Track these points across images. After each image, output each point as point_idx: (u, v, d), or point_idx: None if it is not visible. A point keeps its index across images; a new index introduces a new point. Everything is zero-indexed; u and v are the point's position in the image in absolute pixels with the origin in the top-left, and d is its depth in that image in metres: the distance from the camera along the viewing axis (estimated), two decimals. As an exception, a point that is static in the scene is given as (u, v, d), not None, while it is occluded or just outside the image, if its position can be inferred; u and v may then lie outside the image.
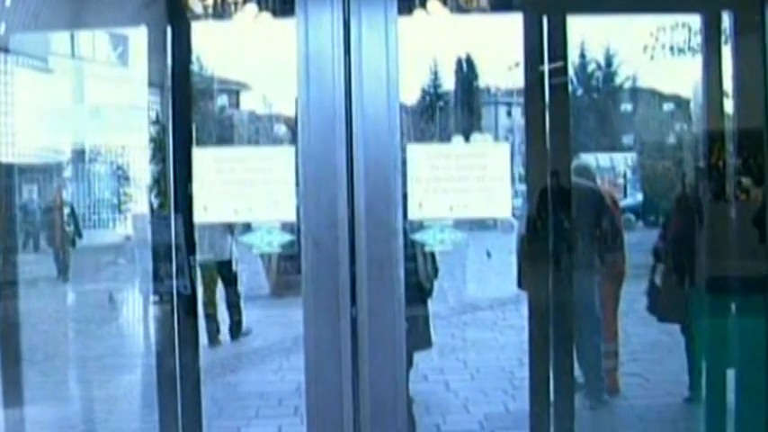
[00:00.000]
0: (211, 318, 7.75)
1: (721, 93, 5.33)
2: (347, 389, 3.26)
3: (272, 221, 3.33)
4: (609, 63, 9.88)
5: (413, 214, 3.31)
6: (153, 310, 5.42)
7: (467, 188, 3.30)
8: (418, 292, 5.09)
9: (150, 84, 5.34)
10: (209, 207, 3.33)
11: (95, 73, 8.88)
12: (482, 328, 8.41)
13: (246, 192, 3.31)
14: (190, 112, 4.97)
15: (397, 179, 3.25)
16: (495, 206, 3.33)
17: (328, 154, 3.24)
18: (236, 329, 7.95)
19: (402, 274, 3.26)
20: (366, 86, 3.24)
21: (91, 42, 9.16)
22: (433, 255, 4.99)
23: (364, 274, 3.23)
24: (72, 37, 8.90)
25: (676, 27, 7.45)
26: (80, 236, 8.68)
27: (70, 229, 8.70)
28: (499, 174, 3.31)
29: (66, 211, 8.90)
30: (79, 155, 9.18)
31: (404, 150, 3.31)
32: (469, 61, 9.85)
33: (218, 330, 7.81)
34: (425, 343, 5.45)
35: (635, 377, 6.13)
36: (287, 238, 3.35)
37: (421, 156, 3.31)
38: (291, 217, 3.33)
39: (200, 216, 3.34)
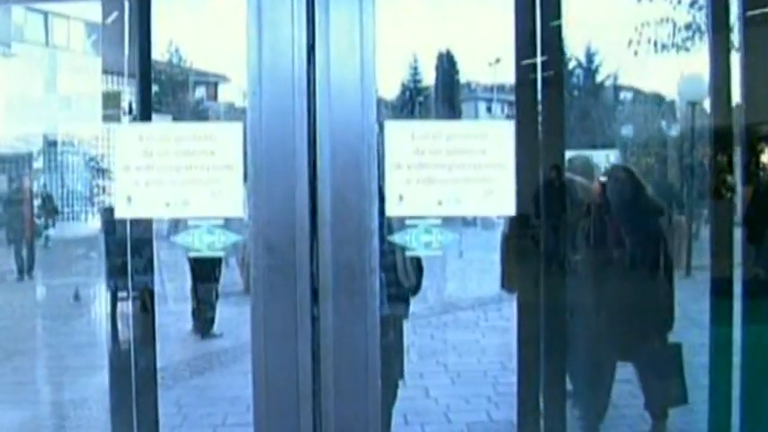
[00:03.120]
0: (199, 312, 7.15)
1: (728, 90, 4.64)
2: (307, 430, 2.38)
3: (213, 218, 2.43)
4: (590, 60, 9.19)
5: (391, 210, 2.41)
6: (116, 307, 4.95)
7: (460, 178, 2.40)
8: (394, 308, 4.20)
9: (117, 72, 4.69)
10: (133, 198, 2.42)
11: (67, 61, 8.08)
12: (463, 329, 7.61)
13: (181, 179, 2.41)
14: (150, 100, 4.20)
15: (372, 166, 2.36)
16: (495, 201, 2.43)
17: (285, 133, 2.37)
18: (207, 327, 7.18)
19: (377, 285, 2.38)
20: (334, 48, 2.36)
21: (65, 30, 8.31)
22: (419, 261, 4.11)
23: (329, 285, 2.35)
24: (45, 23, 8.12)
25: (660, 23, 7.03)
26: (57, 212, 7.85)
27: (40, 221, 7.83)
28: (501, 160, 2.41)
29: (37, 202, 8.03)
30: (50, 145, 8.31)
31: (381, 130, 2.41)
32: (450, 56, 9.09)
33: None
34: (397, 371, 4.59)
35: (626, 384, 5.33)
36: (232, 238, 2.45)
37: (402, 136, 2.42)
38: (239, 212, 2.43)
39: (122, 210, 2.44)
